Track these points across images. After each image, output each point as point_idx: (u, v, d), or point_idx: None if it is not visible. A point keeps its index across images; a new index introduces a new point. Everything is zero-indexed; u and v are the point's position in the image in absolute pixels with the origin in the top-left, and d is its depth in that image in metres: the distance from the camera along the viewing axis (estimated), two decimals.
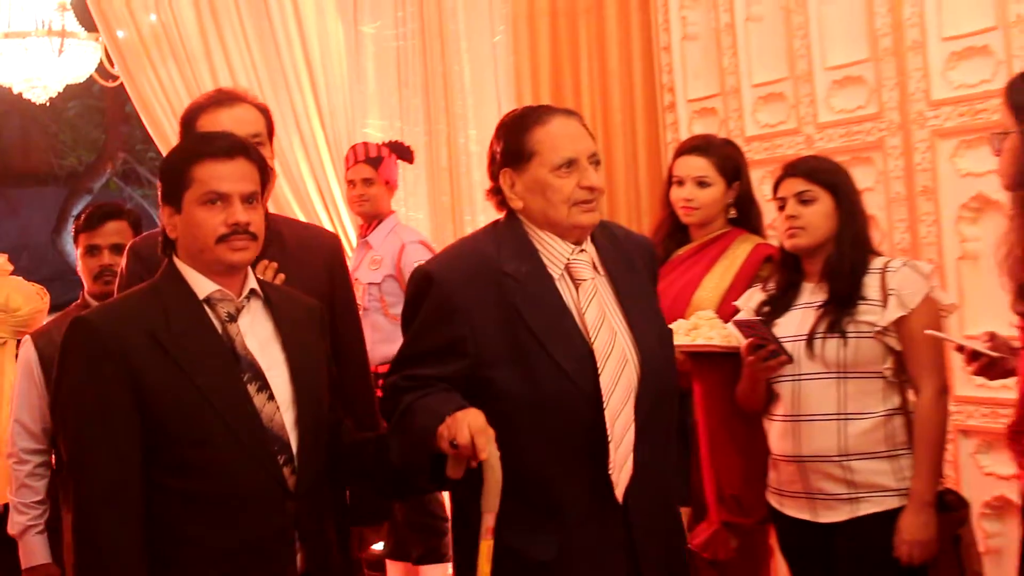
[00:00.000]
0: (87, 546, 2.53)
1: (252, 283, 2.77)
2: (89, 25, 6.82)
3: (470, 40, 6.45)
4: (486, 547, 2.49)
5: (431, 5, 6.50)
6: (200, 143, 2.76)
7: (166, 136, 6.19)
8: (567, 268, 2.83)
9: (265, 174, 2.78)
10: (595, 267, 2.88)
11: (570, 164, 2.77)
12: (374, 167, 5.36)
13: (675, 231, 4.16)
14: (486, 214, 5.95)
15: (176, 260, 2.71)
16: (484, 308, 2.76)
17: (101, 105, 16.25)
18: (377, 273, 5.33)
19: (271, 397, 2.66)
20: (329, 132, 6.57)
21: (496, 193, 2.92)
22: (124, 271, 3.37)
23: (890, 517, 3.37)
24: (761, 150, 5.04)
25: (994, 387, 3.93)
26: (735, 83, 5.13)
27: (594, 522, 2.75)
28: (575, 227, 2.81)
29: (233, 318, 2.69)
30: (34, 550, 4.07)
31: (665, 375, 2.93)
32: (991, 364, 3.24)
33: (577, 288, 2.82)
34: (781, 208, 3.54)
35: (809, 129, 4.84)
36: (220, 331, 2.67)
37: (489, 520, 2.50)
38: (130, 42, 6.16)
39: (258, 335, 2.72)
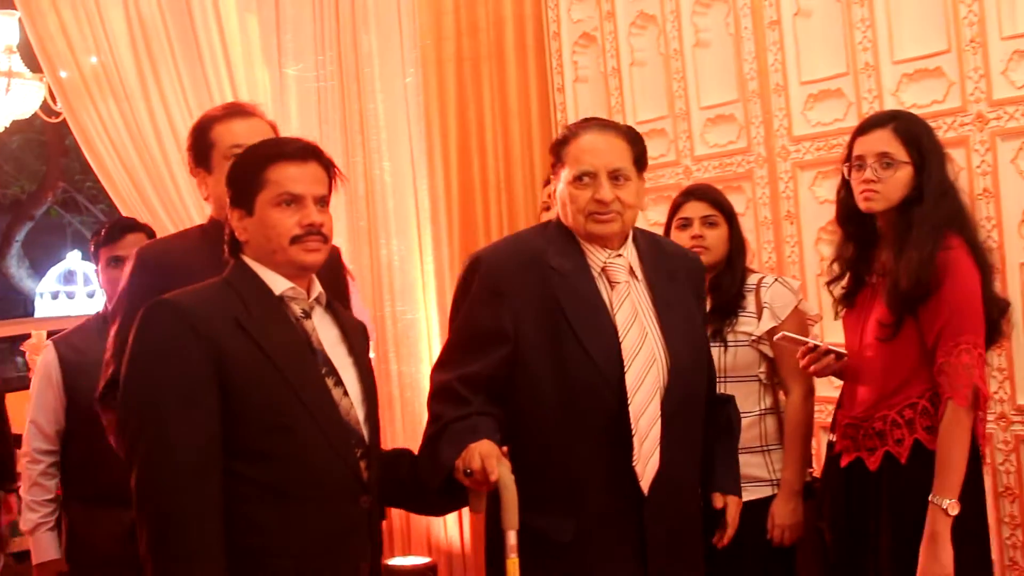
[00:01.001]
0: (169, 535, 2.28)
1: (318, 287, 2.61)
2: (34, 66, 6.77)
3: (384, 81, 6.48)
4: (512, 565, 2.43)
5: (348, 50, 6.53)
6: (274, 146, 2.57)
7: (106, 167, 6.16)
8: (603, 270, 2.78)
9: (332, 179, 2.60)
10: (632, 272, 2.83)
11: (586, 177, 2.72)
12: None
13: None
14: (399, 238, 6.10)
15: (246, 259, 2.53)
16: (528, 296, 2.72)
17: (43, 139, 16.00)
18: None
19: (346, 393, 2.52)
20: None
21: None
22: (127, 279, 3.09)
23: (763, 504, 3.49)
24: (645, 179, 5.10)
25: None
26: (621, 120, 5.08)
27: (613, 511, 2.71)
28: (590, 235, 2.77)
29: (307, 315, 2.54)
30: (45, 546, 4.02)
31: (694, 379, 2.87)
32: (826, 364, 3.38)
33: (612, 289, 2.77)
34: (681, 227, 3.67)
35: (687, 161, 4.96)
36: (296, 326, 2.51)
37: (512, 538, 2.43)
38: (72, 82, 6.12)
39: (327, 336, 2.57)
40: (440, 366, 2.84)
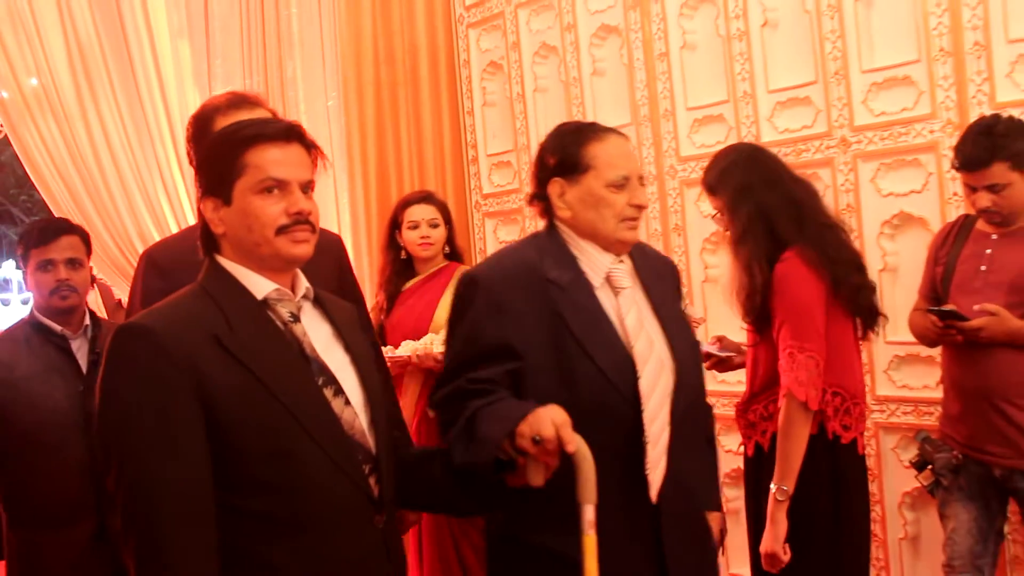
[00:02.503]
0: None
1: (304, 282, 2.16)
2: None
3: (307, 104, 6.49)
4: (590, 541, 2.05)
5: (274, 74, 6.53)
6: (252, 126, 2.09)
7: (46, 182, 6.07)
8: (608, 277, 2.47)
9: (315, 163, 2.13)
10: (632, 277, 2.55)
11: (623, 181, 2.45)
12: None
13: (403, 268, 4.53)
14: None
15: (220, 259, 2.08)
16: (529, 312, 2.39)
17: None
18: None
19: (347, 402, 2.07)
20: (188, 181, 6.54)
21: (540, 200, 2.57)
22: (139, 283, 2.74)
23: None
24: None
25: (731, 381, 4.24)
26: (526, 142, 5.31)
27: (627, 522, 2.38)
28: (620, 242, 2.48)
29: (296, 318, 2.09)
30: None
31: (697, 381, 2.64)
32: (720, 362, 3.54)
33: (617, 296, 2.47)
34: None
35: None
36: (285, 333, 2.06)
37: (590, 512, 2.05)
38: (14, 102, 6.03)
39: (319, 337, 2.12)
40: (444, 381, 2.47)
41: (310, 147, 2.12)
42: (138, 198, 6.14)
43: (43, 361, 3.31)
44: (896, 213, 3.99)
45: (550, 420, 2.04)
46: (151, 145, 6.44)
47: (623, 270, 2.51)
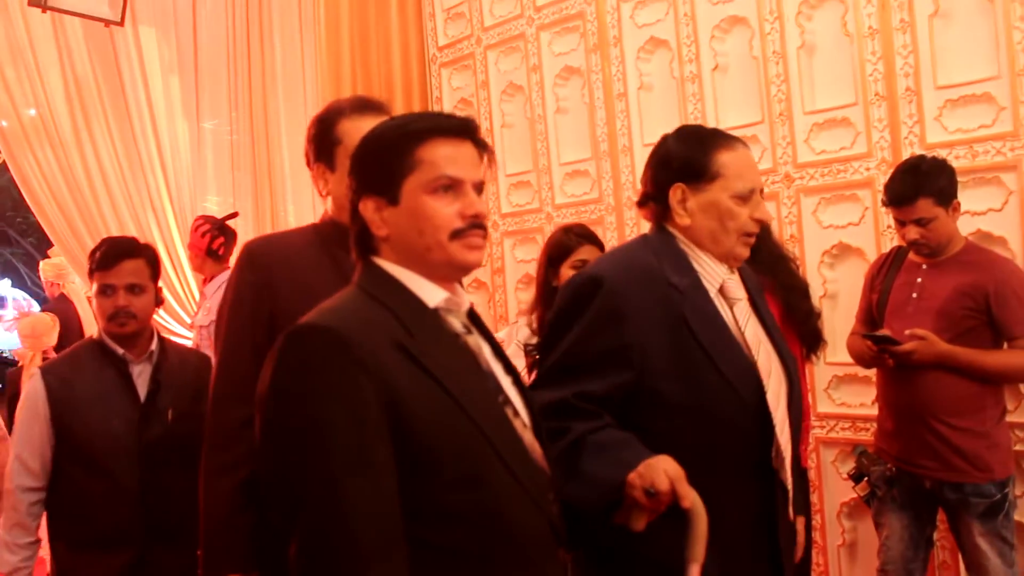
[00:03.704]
0: None
1: (465, 296, 1.80)
2: None
3: (289, 136, 6.53)
4: None
5: (258, 108, 6.55)
6: (425, 120, 1.75)
7: (42, 206, 6.09)
8: (722, 288, 2.22)
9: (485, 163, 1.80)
10: (742, 289, 2.29)
11: (750, 194, 2.19)
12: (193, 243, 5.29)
13: None
14: None
15: (381, 263, 1.73)
16: (652, 318, 2.10)
17: None
18: (207, 318, 5.17)
19: (526, 424, 1.75)
20: (176, 207, 6.55)
21: (656, 202, 2.26)
22: (234, 275, 2.45)
23: None
24: (512, 223, 5.25)
25: None
26: (493, 174, 5.30)
27: (753, 543, 2.13)
28: (737, 257, 2.23)
29: (469, 330, 1.76)
30: None
31: (802, 395, 2.42)
32: None
33: (732, 307, 2.22)
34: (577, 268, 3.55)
35: (549, 208, 5.06)
36: (462, 345, 1.73)
37: (695, 571, 1.80)
38: (13, 131, 6.06)
39: (485, 353, 1.78)
40: (545, 382, 2.16)
41: (483, 146, 1.79)
42: (129, 222, 6.16)
43: (103, 384, 3.06)
44: (835, 244, 4.04)
45: (663, 472, 1.81)
46: (142, 173, 6.47)
47: (736, 281, 2.26)
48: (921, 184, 3.25)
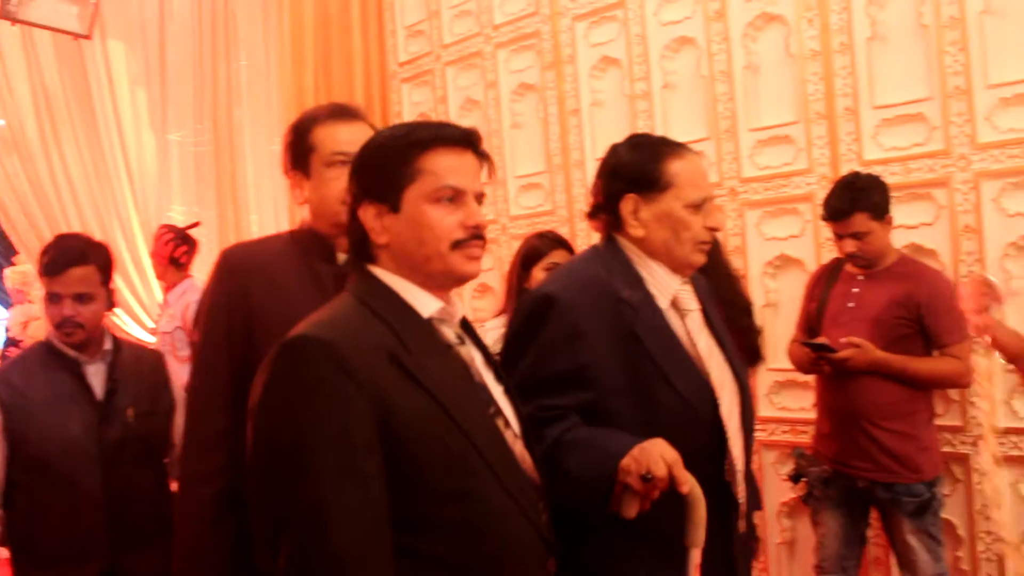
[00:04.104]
0: None
1: (459, 305, 1.80)
2: None
3: (253, 148, 6.54)
4: None
5: (223, 120, 6.56)
6: (428, 128, 1.73)
7: (8, 215, 6.08)
8: (674, 299, 2.15)
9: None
10: (694, 299, 2.23)
11: (703, 203, 2.13)
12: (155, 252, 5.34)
13: None
14: None
15: (377, 271, 1.71)
16: (605, 335, 2.04)
17: None
18: (169, 324, 5.22)
19: (517, 435, 1.74)
20: (141, 216, 6.55)
21: (607, 213, 2.20)
22: (210, 282, 2.33)
23: None
24: None
25: None
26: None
27: (711, 552, 1.91)
28: (690, 265, 2.16)
29: (462, 340, 1.75)
30: None
31: (753, 401, 2.30)
32: None
33: (684, 319, 2.15)
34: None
35: (504, 220, 5.12)
36: (455, 357, 1.72)
37: (696, 556, 1.79)
38: None
39: (477, 363, 1.77)
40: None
41: (483, 157, 1.78)
42: (96, 231, 6.15)
43: (56, 387, 2.83)
44: (777, 255, 4.13)
45: (660, 457, 1.77)
46: (108, 182, 6.46)
47: (689, 292, 2.20)
48: (857, 199, 3.35)
